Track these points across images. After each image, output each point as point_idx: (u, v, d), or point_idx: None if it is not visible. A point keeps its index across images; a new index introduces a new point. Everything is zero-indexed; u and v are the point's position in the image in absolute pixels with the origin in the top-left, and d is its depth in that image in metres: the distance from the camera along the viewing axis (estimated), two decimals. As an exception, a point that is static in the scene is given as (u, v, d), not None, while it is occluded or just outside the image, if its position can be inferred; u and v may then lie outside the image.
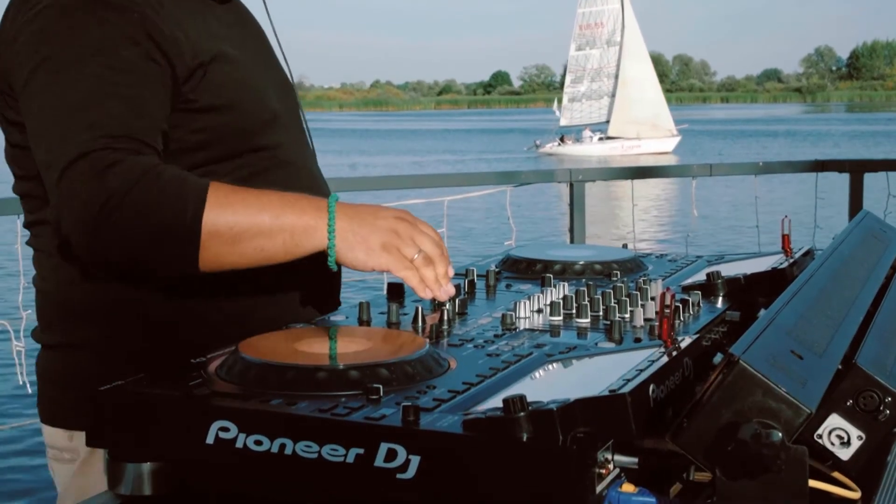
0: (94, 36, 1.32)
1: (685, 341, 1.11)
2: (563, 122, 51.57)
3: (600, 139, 47.78)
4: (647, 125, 47.80)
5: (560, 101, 53.42)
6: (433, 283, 1.30)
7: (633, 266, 1.63)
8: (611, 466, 0.88)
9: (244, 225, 1.27)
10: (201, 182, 1.29)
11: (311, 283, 1.51)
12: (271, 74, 1.61)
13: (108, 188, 1.24)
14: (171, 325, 1.43)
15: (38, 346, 1.53)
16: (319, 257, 1.31)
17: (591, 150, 45.68)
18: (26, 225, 1.51)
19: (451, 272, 1.33)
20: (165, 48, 1.36)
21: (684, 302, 1.30)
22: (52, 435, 1.49)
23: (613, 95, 50.77)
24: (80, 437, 1.38)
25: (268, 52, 1.65)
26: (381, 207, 1.36)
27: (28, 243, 1.52)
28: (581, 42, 52.59)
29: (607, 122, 50.22)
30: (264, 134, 1.49)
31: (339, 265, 1.32)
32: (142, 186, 1.25)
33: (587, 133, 48.35)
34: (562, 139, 46.86)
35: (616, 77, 51.13)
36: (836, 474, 0.95)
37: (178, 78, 1.38)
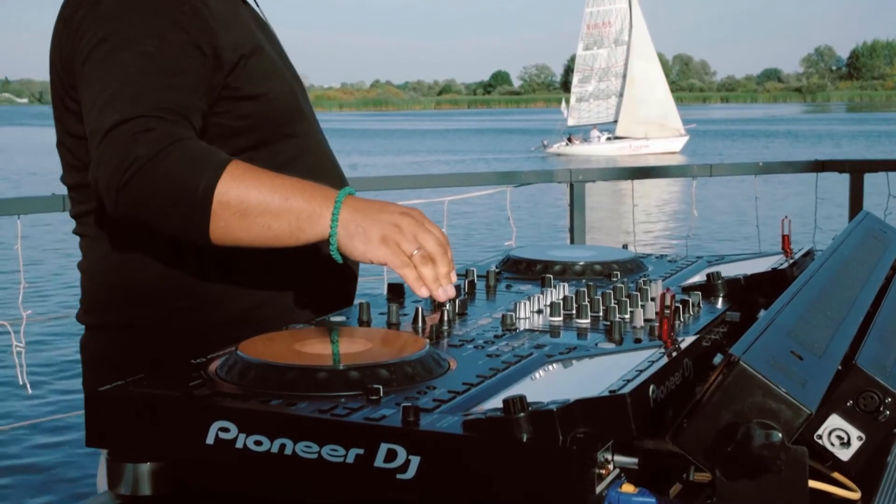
0: (148, 20, 1.42)
1: (685, 342, 1.11)
2: (570, 122, 51.31)
3: (608, 139, 47.57)
4: (655, 125, 47.56)
5: (567, 100, 53.23)
6: (431, 281, 1.30)
7: (634, 267, 1.63)
8: (611, 467, 0.88)
9: (253, 201, 1.32)
10: (223, 156, 1.35)
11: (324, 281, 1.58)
12: (292, 72, 1.68)
13: (135, 152, 1.31)
14: (216, 302, 1.52)
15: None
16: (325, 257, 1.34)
17: (599, 150, 45.45)
18: (74, 215, 1.60)
19: (454, 277, 1.34)
20: (211, 39, 1.45)
21: (684, 302, 1.30)
22: None
23: (621, 95, 50.51)
24: None
25: (284, 52, 1.72)
26: (392, 203, 1.37)
27: (75, 232, 1.61)
28: (589, 41, 52.34)
29: (615, 121, 49.92)
30: (295, 123, 1.59)
31: (346, 261, 1.35)
32: (166, 153, 1.32)
33: (595, 133, 48.14)
34: (569, 139, 46.70)
35: (624, 77, 50.87)
36: (836, 475, 0.95)
37: (223, 67, 1.46)
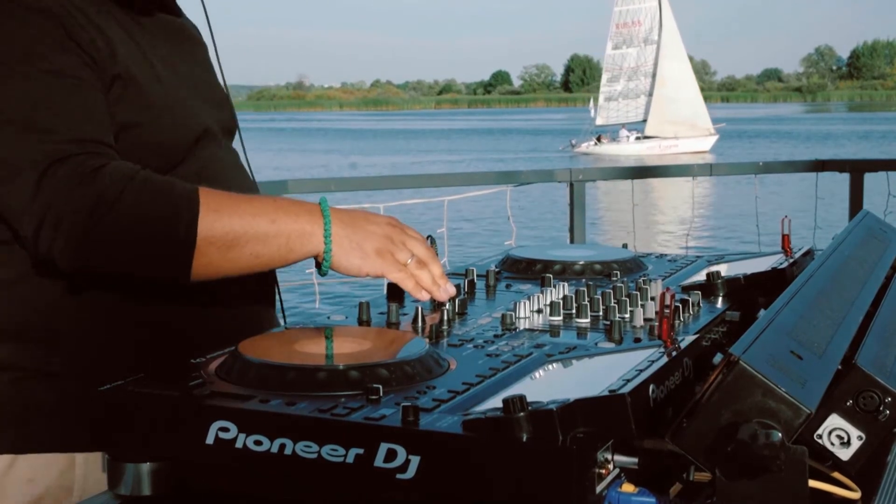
0: (21, 41, 1.27)
1: (685, 341, 1.11)
2: (598, 122, 50.99)
3: (637, 138, 47.37)
4: (685, 125, 47.29)
5: (595, 100, 53.00)
6: (430, 284, 1.32)
7: (633, 266, 1.63)
8: (610, 466, 0.88)
9: (239, 231, 1.25)
10: (189, 187, 1.26)
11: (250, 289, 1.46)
12: (202, 90, 1.54)
13: (97, 192, 1.21)
14: (136, 344, 1.36)
15: None
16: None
17: (627, 149, 45.21)
18: None
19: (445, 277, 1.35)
20: (92, 55, 1.31)
21: (684, 302, 1.30)
22: None
23: (650, 94, 50.31)
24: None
25: (202, 67, 1.59)
26: (372, 213, 1.36)
27: None
28: (618, 40, 52.02)
29: (644, 121, 49.72)
30: (187, 151, 1.42)
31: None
32: (132, 190, 1.23)
33: (624, 132, 47.92)
34: (598, 139, 46.50)
35: (653, 76, 50.67)
36: (836, 474, 0.95)
37: (103, 89, 1.32)
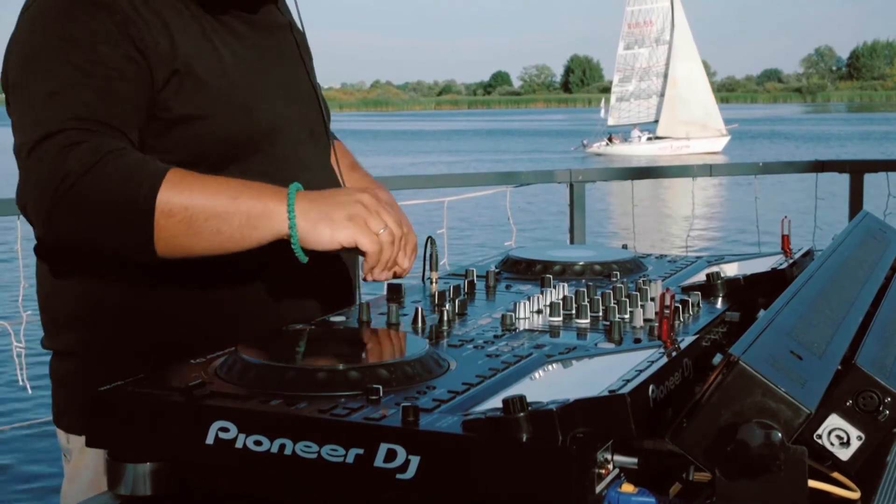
0: (75, 32, 1.32)
1: (685, 342, 1.11)
2: (610, 122, 50.62)
3: (648, 139, 47.20)
4: (697, 125, 46.96)
5: (607, 100, 52.84)
6: (387, 264, 1.30)
7: (633, 267, 1.63)
8: (610, 467, 0.88)
9: (199, 206, 1.25)
10: (161, 165, 1.28)
11: (321, 283, 1.49)
12: (284, 88, 1.54)
13: (65, 167, 1.24)
14: (155, 326, 1.42)
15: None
16: (324, 258, 1.29)
17: (639, 149, 44.91)
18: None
19: (414, 256, 1.34)
20: (145, 51, 1.34)
21: (684, 302, 1.30)
22: (59, 436, 1.50)
23: (662, 95, 50.08)
24: (75, 440, 1.39)
25: (290, 63, 1.59)
26: (348, 188, 1.34)
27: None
28: (629, 41, 51.70)
29: (656, 121, 49.42)
30: (255, 146, 1.44)
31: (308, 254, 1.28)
32: (101, 166, 1.25)
33: (635, 133, 47.74)
34: (610, 139, 46.33)
35: (665, 76, 50.42)
36: (836, 474, 0.95)
37: (156, 83, 1.36)
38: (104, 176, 1.24)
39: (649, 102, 50.86)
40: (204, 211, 1.25)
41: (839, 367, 0.98)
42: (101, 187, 1.24)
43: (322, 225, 1.26)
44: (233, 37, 1.47)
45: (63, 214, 1.25)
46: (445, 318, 1.25)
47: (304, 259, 1.28)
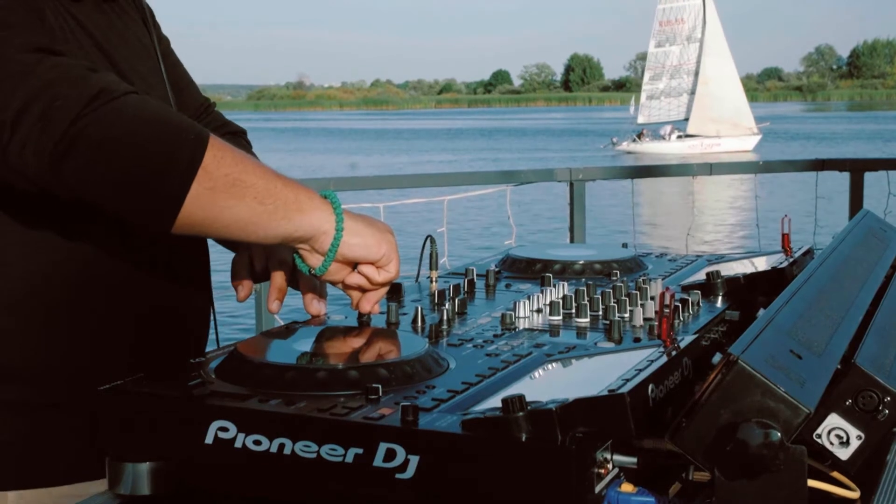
0: None
1: (684, 341, 1.11)
2: (640, 120, 50.54)
3: (679, 137, 47.00)
4: (727, 123, 46.77)
5: (637, 98, 52.68)
6: (371, 299, 1.27)
7: (633, 265, 1.63)
8: (610, 466, 0.88)
9: (248, 167, 1.13)
10: (197, 125, 1.14)
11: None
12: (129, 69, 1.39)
13: (104, 82, 1.08)
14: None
15: None
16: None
17: (669, 147, 44.73)
18: None
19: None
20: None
21: (684, 301, 1.30)
22: None
23: (693, 93, 49.86)
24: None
25: (133, 45, 1.44)
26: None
27: None
28: (661, 38, 51.51)
29: (686, 119, 49.25)
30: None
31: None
32: (135, 96, 1.10)
33: (666, 130, 47.70)
34: (638, 136, 46.23)
35: (696, 74, 50.20)
36: (835, 474, 0.95)
37: None
38: (143, 108, 1.09)
39: (680, 100, 50.72)
40: (254, 173, 1.12)
41: (839, 367, 0.98)
42: (142, 118, 1.08)
43: (367, 232, 1.21)
44: (89, 20, 1.34)
45: (87, 140, 1.05)
46: (445, 317, 1.25)
47: (306, 270, 1.23)
